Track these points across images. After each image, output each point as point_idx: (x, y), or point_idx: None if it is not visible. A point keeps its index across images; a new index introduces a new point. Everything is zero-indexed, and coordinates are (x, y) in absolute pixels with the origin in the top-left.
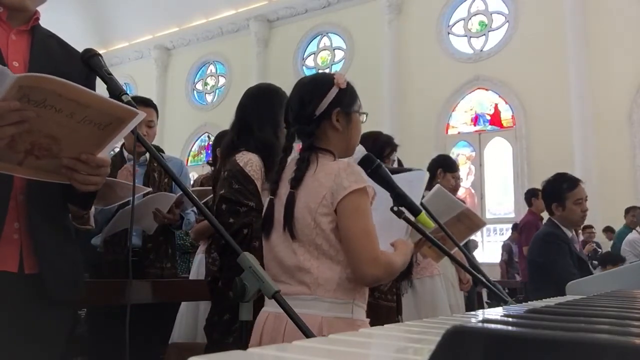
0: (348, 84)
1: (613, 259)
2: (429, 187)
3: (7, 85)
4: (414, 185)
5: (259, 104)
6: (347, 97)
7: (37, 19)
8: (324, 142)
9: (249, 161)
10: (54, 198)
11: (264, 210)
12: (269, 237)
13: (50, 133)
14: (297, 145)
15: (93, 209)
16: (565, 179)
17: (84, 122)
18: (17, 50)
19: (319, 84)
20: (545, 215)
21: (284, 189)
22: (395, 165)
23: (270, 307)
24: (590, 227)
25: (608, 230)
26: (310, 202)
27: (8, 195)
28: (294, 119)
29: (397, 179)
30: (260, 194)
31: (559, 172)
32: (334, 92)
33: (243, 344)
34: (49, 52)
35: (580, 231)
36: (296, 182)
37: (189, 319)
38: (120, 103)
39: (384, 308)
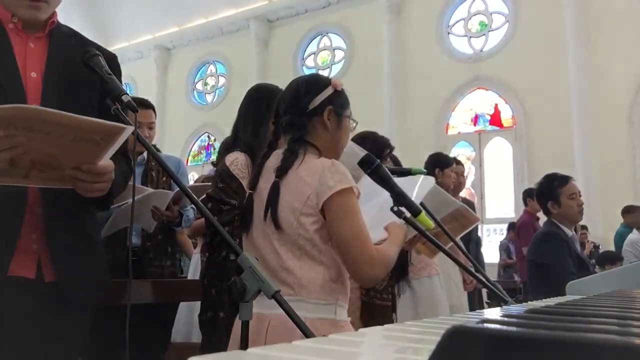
0: (343, 89)
1: (611, 258)
2: None
3: None
4: (418, 192)
5: (247, 105)
6: (341, 100)
7: (54, 22)
8: (312, 137)
9: (235, 160)
10: (74, 206)
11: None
12: (249, 233)
13: (47, 151)
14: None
15: None
16: (555, 177)
17: (76, 140)
18: (35, 59)
19: (316, 81)
20: (541, 214)
21: (265, 183)
22: (390, 164)
23: (254, 308)
24: (585, 227)
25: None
26: (294, 202)
27: (23, 208)
28: (286, 110)
29: (402, 182)
30: (246, 193)
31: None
32: (329, 91)
33: (243, 345)
34: (67, 57)
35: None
36: (282, 171)
37: (186, 318)
38: (107, 122)
39: (379, 307)
